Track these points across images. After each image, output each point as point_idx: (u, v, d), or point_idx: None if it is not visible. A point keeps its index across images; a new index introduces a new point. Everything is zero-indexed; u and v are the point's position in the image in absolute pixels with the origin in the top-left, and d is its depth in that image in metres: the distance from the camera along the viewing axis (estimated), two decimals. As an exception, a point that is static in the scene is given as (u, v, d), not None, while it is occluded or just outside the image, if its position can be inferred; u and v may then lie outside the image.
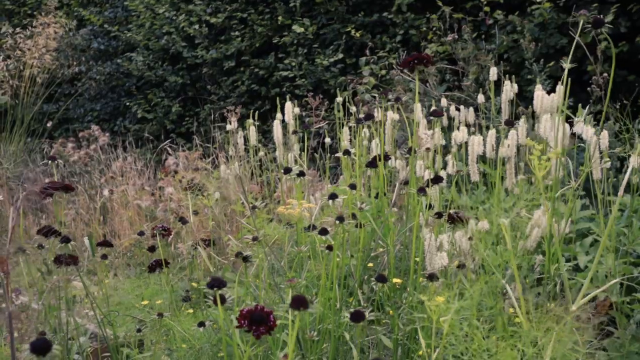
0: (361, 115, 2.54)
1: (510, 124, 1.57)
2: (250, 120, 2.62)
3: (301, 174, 1.36)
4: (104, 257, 1.52)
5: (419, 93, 4.10)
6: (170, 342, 1.81)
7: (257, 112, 5.47)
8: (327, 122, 3.90)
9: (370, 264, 1.89)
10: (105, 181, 4.78)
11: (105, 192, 4.59)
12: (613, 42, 4.47)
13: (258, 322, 0.78)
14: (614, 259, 1.91)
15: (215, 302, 0.88)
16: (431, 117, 1.71)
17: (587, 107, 2.09)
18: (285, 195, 2.46)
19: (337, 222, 1.17)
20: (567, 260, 2.34)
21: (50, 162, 1.57)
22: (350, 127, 2.40)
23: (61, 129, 7.00)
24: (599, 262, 2.08)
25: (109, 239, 4.18)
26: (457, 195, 2.69)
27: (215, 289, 0.87)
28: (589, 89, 3.04)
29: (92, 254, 1.49)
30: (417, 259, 1.58)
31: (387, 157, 1.55)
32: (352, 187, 1.31)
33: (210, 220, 1.63)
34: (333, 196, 1.22)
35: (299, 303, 0.77)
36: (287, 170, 1.37)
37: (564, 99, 1.59)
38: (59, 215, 1.47)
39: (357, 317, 0.97)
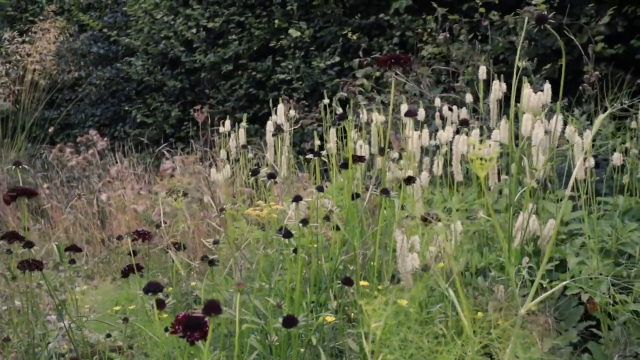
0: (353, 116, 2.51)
1: (465, 123, 1.54)
2: (243, 124, 2.62)
3: (271, 176, 1.34)
4: (72, 262, 1.51)
5: (414, 95, 4.07)
6: (149, 346, 1.80)
7: (256, 115, 5.47)
8: (317, 123, 3.88)
9: (352, 267, 1.88)
10: (102, 185, 4.78)
11: (103, 197, 4.59)
12: (610, 42, 4.44)
13: (192, 327, 0.77)
14: (598, 259, 1.88)
15: (157, 306, 0.86)
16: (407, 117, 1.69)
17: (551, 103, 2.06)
18: (277, 198, 2.44)
19: (301, 224, 1.15)
20: (559, 261, 2.31)
21: (14, 167, 1.56)
22: (337, 129, 2.38)
23: (63, 135, 7.02)
24: (583, 263, 2.05)
25: (95, 243, 4.18)
26: (443, 195, 2.66)
27: (150, 293, 0.85)
28: (580, 87, 3.01)
29: (60, 260, 1.47)
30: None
31: (361, 159, 1.53)
32: (319, 189, 1.29)
33: (180, 223, 1.61)
34: (297, 199, 1.20)
35: (211, 309, 0.75)
36: (255, 172, 1.35)
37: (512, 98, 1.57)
38: (24, 219, 1.46)
39: (289, 322, 0.95)
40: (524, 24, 4.01)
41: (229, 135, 2.96)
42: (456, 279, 0.82)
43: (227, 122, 3.00)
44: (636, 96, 3.07)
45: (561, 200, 2.79)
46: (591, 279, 1.87)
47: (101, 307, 2.99)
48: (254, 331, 1.39)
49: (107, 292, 3.42)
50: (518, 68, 1.66)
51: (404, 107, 1.86)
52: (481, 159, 0.80)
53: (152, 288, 0.85)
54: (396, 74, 4.07)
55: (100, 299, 3.24)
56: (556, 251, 2.27)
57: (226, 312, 1.41)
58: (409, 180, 1.43)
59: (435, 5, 4.38)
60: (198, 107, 3.70)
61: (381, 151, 1.48)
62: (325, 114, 2.14)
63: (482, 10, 4.27)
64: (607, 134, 2.58)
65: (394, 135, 3.01)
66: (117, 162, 5.06)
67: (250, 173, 3.33)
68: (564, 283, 1.03)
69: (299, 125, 4.80)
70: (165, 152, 4.87)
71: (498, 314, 0.89)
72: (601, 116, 0.83)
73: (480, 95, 2.50)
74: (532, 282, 1.96)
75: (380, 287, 1.41)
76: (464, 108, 2.95)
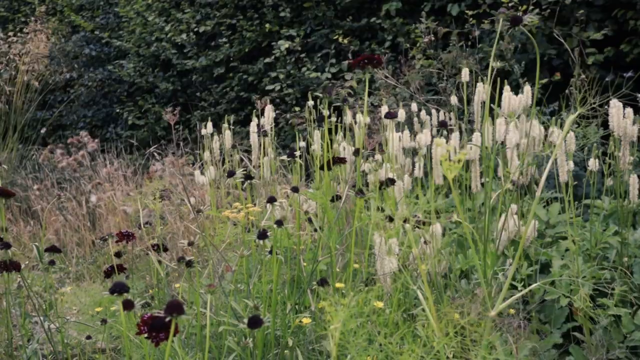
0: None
1: (444, 125, 1.55)
2: (225, 125, 2.62)
3: (248, 177, 1.33)
4: (52, 262, 1.50)
5: (404, 98, 4.07)
6: (127, 347, 1.79)
7: (247, 118, 5.45)
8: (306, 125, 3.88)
9: (338, 269, 1.87)
10: (92, 187, 4.77)
11: (93, 199, 4.58)
12: (600, 46, 4.43)
13: (158, 328, 0.76)
14: (579, 262, 1.88)
15: (124, 307, 0.86)
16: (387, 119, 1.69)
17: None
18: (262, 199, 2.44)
19: (276, 226, 1.15)
20: (543, 264, 2.31)
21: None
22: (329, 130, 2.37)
23: (55, 136, 7.01)
24: (566, 266, 2.05)
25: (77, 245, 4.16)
26: (427, 198, 2.66)
27: (115, 294, 0.85)
28: (567, 91, 3.01)
29: (40, 261, 1.46)
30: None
31: (342, 160, 1.52)
32: (295, 190, 1.29)
33: (158, 226, 1.61)
34: (271, 199, 1.20)
35: (173, 309, 0.75)
36: (231, 174, 1.35)
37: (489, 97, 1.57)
38: (2, 219, 1.45)
39: (254, 323, 0.95)
40: (515, 32, 4.03)
41: (212, 136, 2.96)
42: (423, 279, 0.82)
43: (209, 125, 3.00)
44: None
45: (548, 202, 2.79)
46: (572, 283, 1.87)
47: (88, 308, 2.98)
48: (232, 333, 1.39)
49: (95, 294, 3.41)
50: (493, 69, 1.66)
51: (385, 109, 1.85)
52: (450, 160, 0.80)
53: (118, 288, 0.85)
54: (386, 77, 4.07)
55: (89, 301, 3.23)
56: (542, 254, 2.28)
57: (204, 313, 1.41)
58: (389, 181, 1.43)
59: (422, 20, 4.38)
60: (170, 109, 3.69)
61: (356, 152, 1.48)
62: (309, 116, 2.14)
63: (473, 22, 4.27)
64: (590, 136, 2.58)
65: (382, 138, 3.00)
66: (106, 164, 5.06)
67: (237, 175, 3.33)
68: (534, 285, 1.03)
69: (289, 125, 4.80)
70: (155, 154, 4.87)
71: (470, 318, 0.89)
72: (571, 117, 0.83)
73: (464, 98, 2.50)
74: (514, 285, 1.97)
75: (342, 289, 1.40)
76: (441, 111, 2.95)
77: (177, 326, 0.78)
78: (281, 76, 5.34)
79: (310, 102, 2.16)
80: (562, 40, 3.79)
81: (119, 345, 2.14)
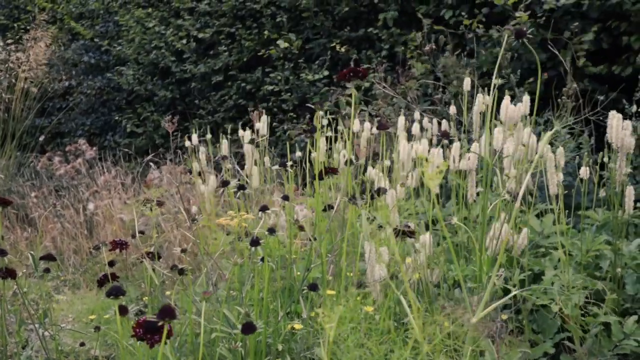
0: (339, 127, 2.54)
1: (445, 135, 1.57)
2: (209, 134, 2.65)
3: (241, 187, 1.36)
4: (47, 270, 1.52)
5: (400, 107, 4.10)
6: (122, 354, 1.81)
7: (245, 126, 5.47)
8: (304, 134, 3.91)
9: (330, 277, 1.89)
10: (90, 195, 4.79)
11: (91, 206, 4.59)
12: (595, 59, 4.44)
13: (152, 331, 0.78)
14: (570, 272, 1.90)
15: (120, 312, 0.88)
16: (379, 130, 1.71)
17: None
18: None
19: (267, 233, 1.17)
20: (537, 274, 2.33)
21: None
22: (327, 138, 2.40)
23: (53, 143, 7.03)
24: (556, 276, 2.07)
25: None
26: (424, 206, 2.68)
27: (111, 297, 0.87)
28: (559, 100, 3.03)
29: (35, 268, 1.48)
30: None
31: (334, 170, 1.55)
32: (285, 198, 1.31)
33: (154, 231, 1.63)
34: (264, 208, 1.22)
35: (166, 314, 0.77)
36: (225, 184, 1.37)
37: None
38: (0, 226, 1.47)
39: (248, 329, 0.97)
40: (507, 39, 4.06)
41: (210, 145, 3.00)
42: (406, 286, 0.84)
43: (208, 135, 3.04)
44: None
45: (542, 213, 2.81)
46: (563, 293, 1.89)
47: (83, 316, 3.00)
48: (224, 340, 1.41)
49: (91, 302, 3.43)
50: (495, 84, 1.69)
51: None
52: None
53: (114, 291, 0.87)
54: (384, 86, 4.10)
55: (85, 308, 3.24)
56: (535, 264, 2.29)
57: (197, 320, 1.43)
58: (379, 191, 1.45)
59: (420, 16, 4.42)
60: (169, 117, 3.73)
61: (346, 162, 1.51)
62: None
63: (466, 22, 4.30)
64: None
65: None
66: (105, 172, 5.07)
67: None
68: (514, 292, 1.05)
69: (287, 135, 4.83)
70: (152, 164, 4.89)
71: (456, 324, 0.90)
72: (548, 133, 0.85)
73: (464, 108, 2.52)
74: (505, 292, 1.99)
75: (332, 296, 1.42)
76: (444, 120, 2.97)
77: (170, 331, 0.80)
78: (279, 77, 5.37)
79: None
80: (557, 52, 3.82)
81: (113, 354, 2.16)
